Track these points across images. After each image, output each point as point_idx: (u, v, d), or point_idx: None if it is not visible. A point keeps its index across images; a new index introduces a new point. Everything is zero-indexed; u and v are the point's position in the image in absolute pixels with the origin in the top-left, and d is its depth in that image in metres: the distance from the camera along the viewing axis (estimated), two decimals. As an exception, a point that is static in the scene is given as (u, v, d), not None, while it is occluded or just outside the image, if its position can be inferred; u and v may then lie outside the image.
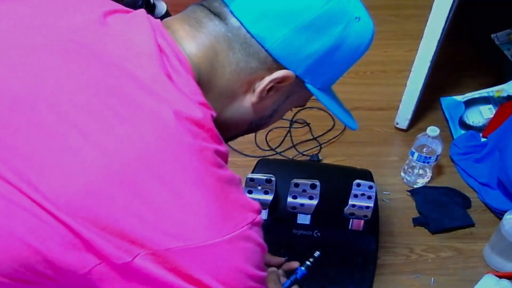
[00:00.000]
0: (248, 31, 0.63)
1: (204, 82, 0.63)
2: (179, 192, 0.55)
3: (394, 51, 1.76)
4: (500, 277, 1.10)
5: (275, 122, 0.77)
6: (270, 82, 0.65)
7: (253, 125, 0.74)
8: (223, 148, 0.61)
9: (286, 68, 0.65)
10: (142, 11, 0.65)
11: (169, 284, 0.54)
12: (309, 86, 0.68)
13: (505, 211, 1.17)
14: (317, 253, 0.96)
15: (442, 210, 1.29)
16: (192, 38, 0.64)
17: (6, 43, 0.60)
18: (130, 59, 0.59)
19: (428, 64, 1.35)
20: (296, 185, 1.06)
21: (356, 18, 0.66)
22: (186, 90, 0.59)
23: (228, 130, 0.64)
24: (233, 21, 0.63)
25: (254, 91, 0.67)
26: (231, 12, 0.63)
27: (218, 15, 0.64)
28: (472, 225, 1.28)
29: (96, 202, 0.52)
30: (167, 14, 1.55)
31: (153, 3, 1.52)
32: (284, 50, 0.64)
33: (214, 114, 0.62)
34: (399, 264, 1.20)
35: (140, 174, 0.54)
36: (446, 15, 1.24)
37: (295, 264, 0.96)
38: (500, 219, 1.17)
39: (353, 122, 0.76)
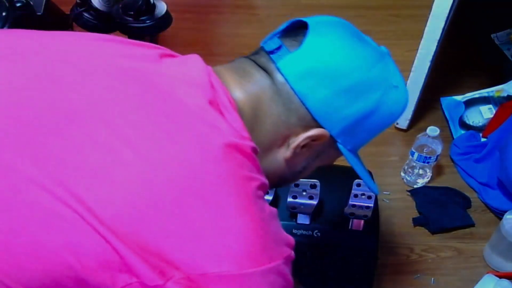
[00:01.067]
0: (291, 87, 0.65)
1: (246, 127, 0.64)
2: (222, 216, 0.55)
3: (394, 51, 1.73)
4: (500, 277, 1.10)
5: (302, 178, 0.79)
6: (306, 139, 0.67)
7: (281, 180, 0.75)
8: (265, 180, 0.63)
9: (322, 127, 0.67)
10: (196, 55, 0.68)
11: None
12: (340, 146, 0.70)
13: (505, 211, 1.17)
14: None
15: (442, 210, 1.29)
16: (240, 85, 0.66)
17: (70, 64, 0.63)
18: (184, 90, 0.61)
19: (428, 64, 1.35)
20: (296, 185, 1.06)
21: (395, 86, 0.69)
22: (234, 124, 0.61)
23: None
24: (279, 76, 0.66)
25: (288, 146, 0.69)
26: (278, 69, 0.66)
27: (264, 69, 0.67)
28: (472, 225, 1.28)
29: (140, 218, 0.52)
30: (167, 14, 1.55)
31: (153, 3, 1.52)
32: (323, 110, 0.66)
33: (258, 150, 0.63)
34: (399, 264, 1.20)
35: (185, 195, 0.54)
36: (446, 15, 1.24)
37: None
38: (500, 219, 1.17)
39: (375, 186, 0.80)
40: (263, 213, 0.59)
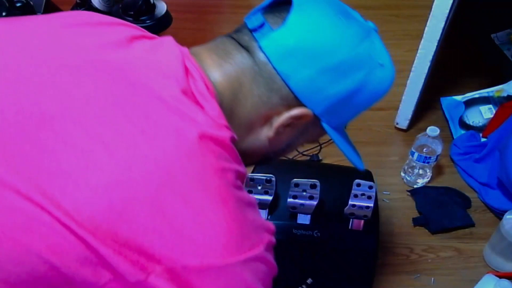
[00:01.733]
0: (274, 67, 0.64)
1: (225, 110, 0.64)
2: (200, 210, 0.55)
3: (394, 51, 1.73)
4: (500, 277, 1.10)
5: (286, 155, 0.78)
6: (289, 118, 0.67)
7: (265, 157, 0.75)
8: (243, 169, 0.63)
9: (305, 106, 0.66)
10: (170, 37, 0.66)
11: None
12: (324, 125, 0.70)
13: (505, 211, 1.17)
14: (309, 280, 0.98)
15: (442, 210, 1.29)
16: (219, 67, 0.65)
17: (37, 61, 0.61)
18: (156, 80, 0.60)
19: (428, 64, 1.35)
20: (296, 185, 1.06)
21: (380, 64, 0.68)
22: (211, 113, 0.60)
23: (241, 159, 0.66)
24: (261, 56, 0.65)
25: (271, 125, 0.68)
26: (260, 48, 0.65)
27: (246, 48, 0.66)
28: (472, 225, 1.28)
29: (119, 218, 0.53)
30: (167, 14, 1.55)
31: (153, 3, 1.52)
32: (306, 89, 0.65)
33: (236, 137, 0.63)
34: (399, 264, 1.20)
35: (162, 191, 0.54)
36: (446, 15, 1.24)
37: None
38: (500, 219, 1.17)
39: (360, 162, 0.78)
40: (241, 203, 0.59)
